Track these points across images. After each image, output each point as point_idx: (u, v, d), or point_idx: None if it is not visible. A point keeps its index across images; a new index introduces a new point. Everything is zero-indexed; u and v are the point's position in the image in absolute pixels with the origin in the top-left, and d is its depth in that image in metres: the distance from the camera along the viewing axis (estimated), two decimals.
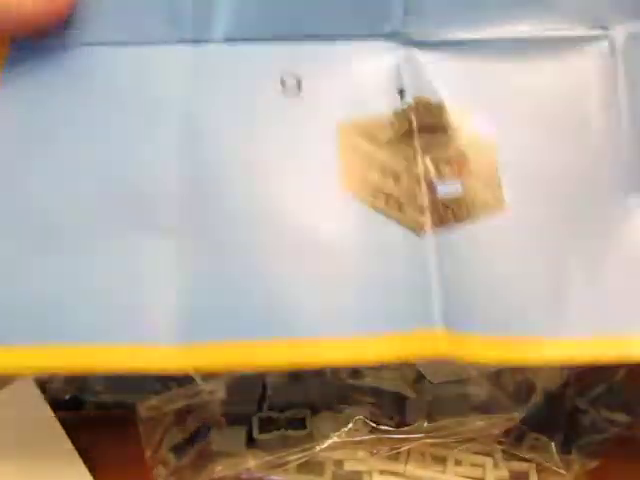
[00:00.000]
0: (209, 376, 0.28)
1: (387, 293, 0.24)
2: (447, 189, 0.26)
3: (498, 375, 0.29)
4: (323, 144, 0.27)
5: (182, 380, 0.30)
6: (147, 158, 0.26)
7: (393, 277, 0.25)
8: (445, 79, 0.28)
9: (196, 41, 0.29)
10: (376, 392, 0.30)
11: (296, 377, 0.30)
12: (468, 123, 0.28)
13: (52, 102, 0.28)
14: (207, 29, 0.29)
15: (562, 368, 0.29)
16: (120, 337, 0.24)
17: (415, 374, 0.30)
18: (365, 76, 0.28)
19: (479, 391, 0.29)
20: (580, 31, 0.29)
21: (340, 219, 0.25)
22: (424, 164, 0.27)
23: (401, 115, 0.28)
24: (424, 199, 0.26)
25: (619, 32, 0.29)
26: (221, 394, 0.29)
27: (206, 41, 0.29)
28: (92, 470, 0.29)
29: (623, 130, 0.28)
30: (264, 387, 0.29)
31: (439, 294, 0.24)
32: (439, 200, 0.26)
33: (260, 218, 0.26)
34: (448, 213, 0.26)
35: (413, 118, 0.27)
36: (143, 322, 0.24)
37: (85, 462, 0.29)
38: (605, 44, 0.29)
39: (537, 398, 0.29)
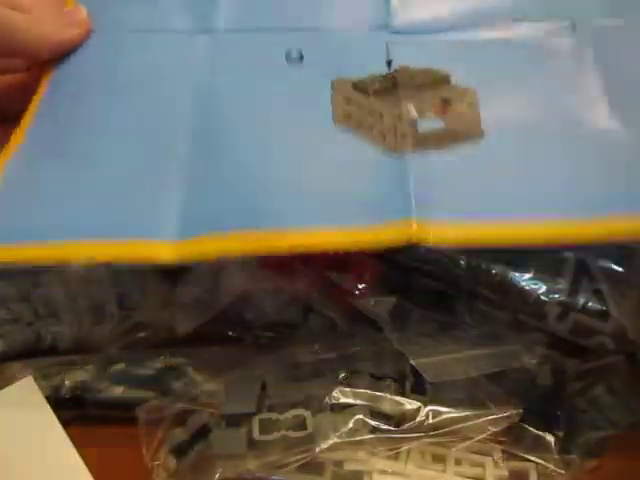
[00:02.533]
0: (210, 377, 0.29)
1: (371, 193, 0.29)
2: (428, 124, 0.31)
3: (498, 374, 0.29)
4: (319, 95, 0.33)
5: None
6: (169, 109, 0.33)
7: (376, 181, 0.30)
8: (430, 55, 0.34)
9: (210, 30, 0.36)
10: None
11: (296, 377, 0.30)
12: (451, 80, 0.33)
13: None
14: (212, 19, 0.37)
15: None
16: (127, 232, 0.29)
17: None
18: (359, 52, 0.35)
19: None
20: (553, 25, 0.35)
21: (332, 144, 0.31)
22: (406, 107, 0.32)
23: (388, 77, 0.33)
24: (405, 130, 0.31)
25: (586, 27, 0.35)
26: (221, 396, 0.29)
27: (221, 30, 0.36)
28: (92, 470, 0.29)
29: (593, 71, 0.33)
30: (264, 388, 0.29)
31: (414, 193, 0.29)
32: (419, 133, 0.31)
33: (262, 142, 0.31)
34: (429, 141, 0.31)
35: (398, 79, 0.33)
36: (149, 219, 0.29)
37: (85, 462, 0.29)
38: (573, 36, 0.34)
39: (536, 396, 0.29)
